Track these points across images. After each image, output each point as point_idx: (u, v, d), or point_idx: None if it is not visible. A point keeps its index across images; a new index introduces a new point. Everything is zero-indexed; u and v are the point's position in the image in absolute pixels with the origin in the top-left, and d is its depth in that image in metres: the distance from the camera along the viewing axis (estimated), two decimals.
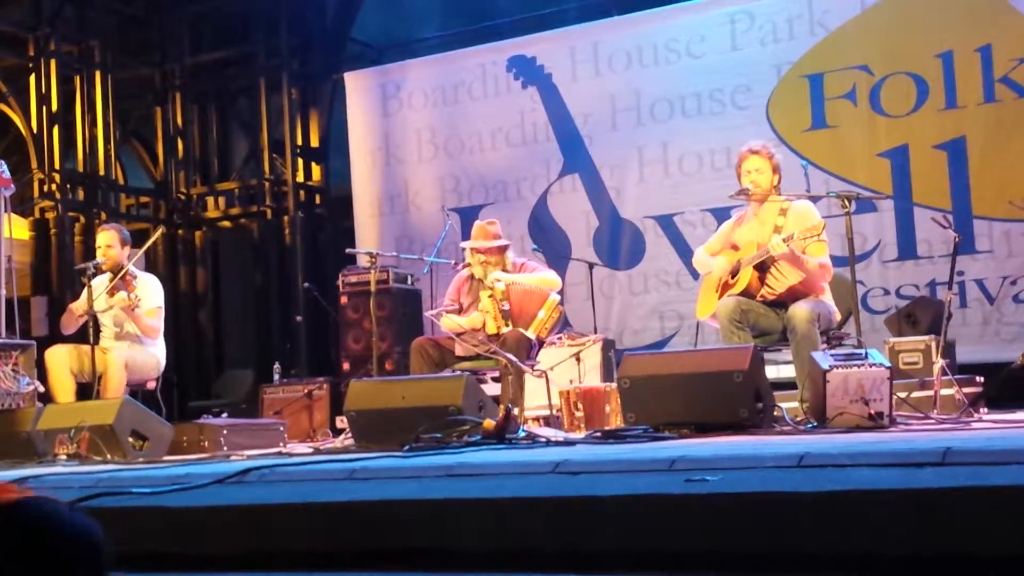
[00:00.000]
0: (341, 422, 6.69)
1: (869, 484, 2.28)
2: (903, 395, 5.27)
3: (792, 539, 2.20)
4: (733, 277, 5.49)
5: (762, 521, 2.23)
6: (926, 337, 6.64)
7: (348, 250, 8.05)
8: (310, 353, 10.44)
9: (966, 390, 5.69)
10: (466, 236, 7.22)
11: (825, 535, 2.19)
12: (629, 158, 9.33)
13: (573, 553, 2.34)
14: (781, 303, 5.33)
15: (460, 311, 6.40)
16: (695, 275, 6.10)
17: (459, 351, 6.24)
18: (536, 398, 6.59)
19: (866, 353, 4.43)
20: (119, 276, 6.49)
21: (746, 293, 5.38)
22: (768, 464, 2.67)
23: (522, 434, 4.58)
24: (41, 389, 6.66)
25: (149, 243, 6.67)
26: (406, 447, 4.15)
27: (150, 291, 6.65)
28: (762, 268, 5.39)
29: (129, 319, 6.53)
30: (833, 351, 4.89)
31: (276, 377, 9.03)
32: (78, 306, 6.52)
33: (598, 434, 4.31)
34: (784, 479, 2.45)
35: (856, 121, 8.57)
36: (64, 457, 5.07)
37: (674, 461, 2.80)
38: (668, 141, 9.21)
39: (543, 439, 4.24)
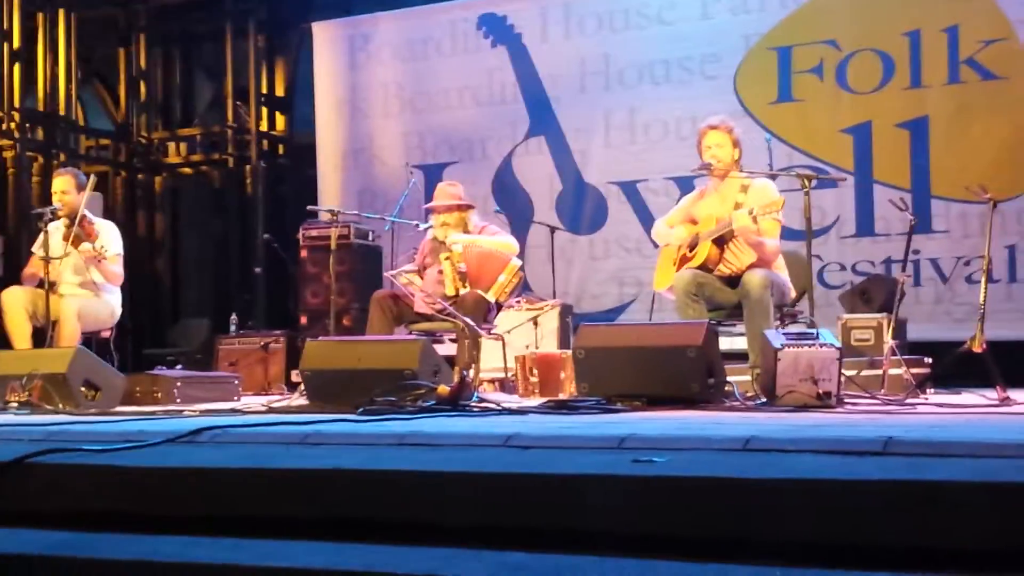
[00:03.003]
0: (297, 376, 6.68)
1: (811, 472, 2.34)
2: (852, 373, 5.36)
3: (735, 525, 2.25)
4: (691, 251, 5.54)
5: (705, 506, 2.28)
6: (879, 315, 6.74)
7: (309, 207, 8.00)
8: (268, 305, 10.42)
9: (914, 370, 5.79)
10: (429, 195, 7.22)
11: (767, 522, 2.24)
12: (595, 123, 9.34)
13: (519, 529, 2.37)
14: (737, 278, 5.39)
15: (421, 271, 6.41)
16: (656, 243, 6.14)
17: (418, 308, 6.25)
18: (493, 360, 6.63)
19: (817, 333, 4.49)
20: (76, 223, 6.43)
21: (703, 267, 5.43)
22: (714, 446, 2.72)
23: (476, 399, 4.63)
24: None
25: (89, 188, 6.55)
26: (360, 409, 4.17)
27: (109, 238, 6.61)
28: (720, 243, 5.44)
29: (90, 267, 6.48)
30: (785, 330, 4.96)
31: (233, 328, 9.01)
32: (38, 258, 6.42)
33: (551, 404, 4.35)
34: (729, 464, 2.50)
35: (822, 96, 8.62)
36: (16, 405, 5.05)
37: (623, 439, 2.84)
38: (635, 107, 9.22)
39: (496, 407, 4.28)
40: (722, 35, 8.91)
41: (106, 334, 6.70)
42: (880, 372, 5.67)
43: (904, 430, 3.00)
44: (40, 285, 6.34)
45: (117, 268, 6.60)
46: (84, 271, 6.52)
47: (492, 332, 6.27)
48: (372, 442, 3.14)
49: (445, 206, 6.38)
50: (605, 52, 9.33)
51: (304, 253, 8.90)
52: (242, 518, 2.60)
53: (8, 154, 10.40)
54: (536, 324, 7.10)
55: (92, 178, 6.67)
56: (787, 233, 5.85)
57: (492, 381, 6.79)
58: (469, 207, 6.48)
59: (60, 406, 5.06)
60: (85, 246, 6.34)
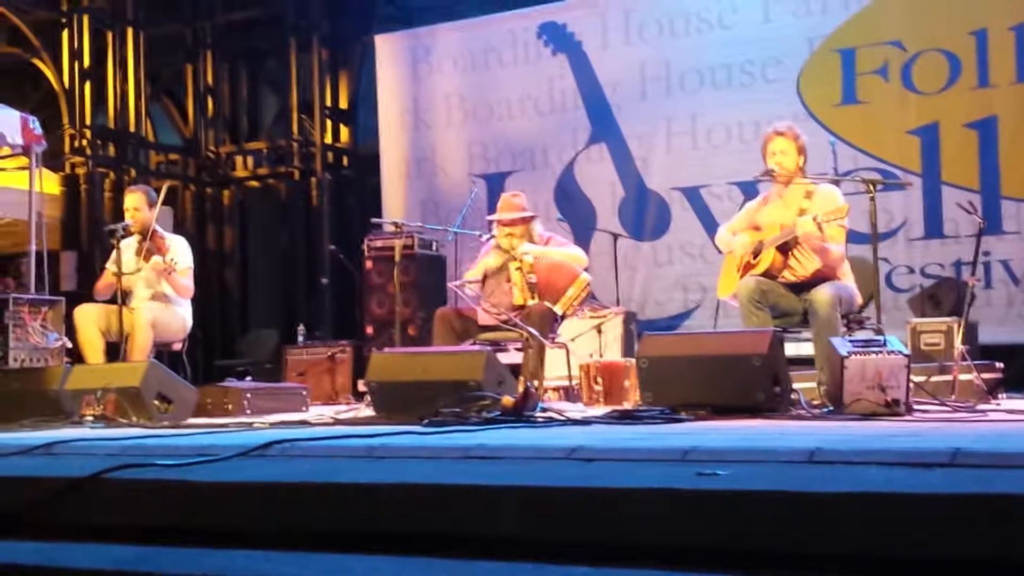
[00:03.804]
0: (363, 386, 6.76)
1: (877, 486, 2.31)
2: (922, 379, 5.29)
3: (801, 539, 2.24)
4: (755, 258, 5.50)
5: (770, 520, 2.26)
6: (948, 319, 6.63)
7: (374, 219, 8.08)
8: (334, 315, 10.53)
9: (985, 376, 5.69)
10: (492, 204, 7.25)
11: (833, 536, 2.22)
12: (657, 129, 9.32)
13: (583, 543, 2.38)
14: (802, 285, 5.34)
15: (483, 280, 6.43)
16: (719, 249, 6.12)
17: (482, 320, 6.27)
18: (557, 368, 6.64)
19: (884, 340, 4.44)
20: (148, 238, 6.57)
21: (767, 274, 5.39)
22: (780, 458, 2.71)
23: (540, 409, 4.64)
24: (69, 345, 6.77)
25: (162, 197, 6.70)
26: (426, 421, 4.21)
27: (180, 252, 6.73)
28: (784, 249, 5.39)
29: (161, 280, 6.61)
30: (852, 337, 4.91)
31: (300, 338, 9.12)
32: (111, 273, 6.57)
33: (615, 414, 4.34)
34: (794, 477, 2.48)
35: (887, 97, 8.52)
36: (91, 418, 5.16)
37: (687, 451, 2.84)
38: (697, 113, 9.18)
39: (560, 418, 4.29)
40: (784, 38, 8.85)
41: (177, 346, 6.81)
42: (950, 378, 5.59)
43: (973, 440, 2.96)
44: (112, 300, 6.48)
45: (187, 281, 6.72)
46: (156, 285, 6.65)
47: (556, 341, 6.28)
48: (437, 455, 3.16)
49: (510, 219, 6.40)
50: (666, 58, 9.31)
51: (369, 264, 8.99)
52: (311, 532, 2.64)
53: (80, 171, 10.65)
54: (600, 332, 7.09)
55: (165, 185, 6.81)
56: (854, 236, 5.80)
57: (556, 389, 6.80)
58: (533, 218, 6.49)
59: (134, 419, 5.16)
60: (156, 260, 6.47)
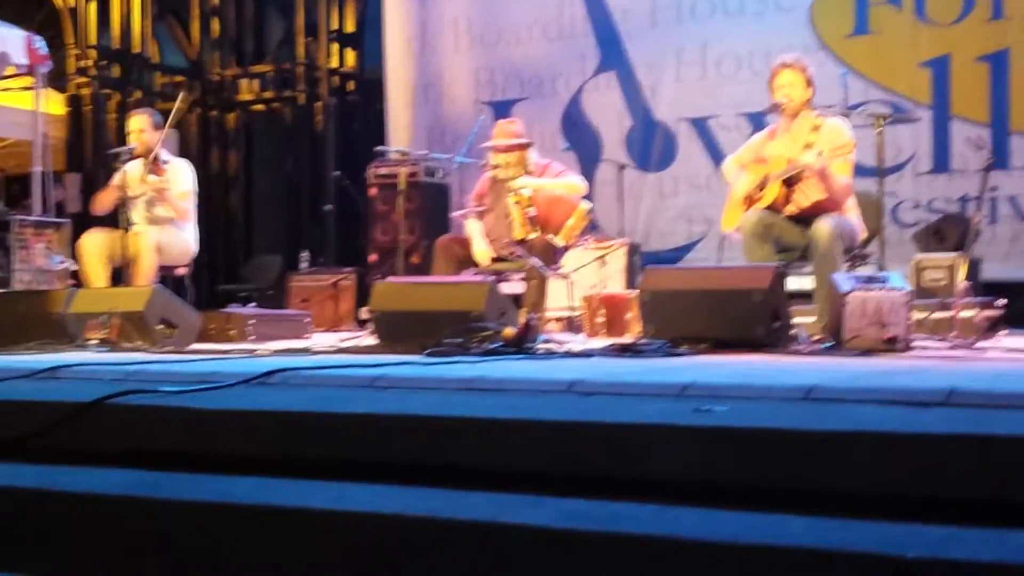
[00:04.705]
0: (365, 314, 6.78)
1: (871, 424, 2.33)
2: (924, 315, 5.30)
3: (795, 476, 2.27)
4: (760, 191, 5.48)
5: (765, 456, 2.29)
6: (952, 255, 6.63)
7: (378, 148, 8.03)
8: (338, 242, 10.51)
9: (986, 313, 5.69)
10: None
11: (827, 473, 2.25)
12: (666, 58, 9.22)
13: (580, 477, 2.41)
14: (806, 219, 5.33)
15: (483, 213, 6.41)
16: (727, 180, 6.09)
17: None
18: (559, 299, 6.65)
19: (886, 277, 4.44)
20: (149, 160, 6.56)
21: (772, 207, 5.37)
22: (776, 396, 2.73)
23: (541, 340, 4.67)
24: (74, 267, 6.79)
25: (174, 113, 6.68)
26: (427, 351, 4.24)
27: (181, 175, 6.71)
28: (789, 183, 5.37)
29: (161, 202, 6.59)
30: (854, 273, 4.91)
31: (304, 265, 9.14)
32: (112, 190, 6.59)
33: (615, 347, 4.36)
34: (790, 414, 2.51)
35: (899, 28, 8.41)
36: (95, 342, 5.19)
37: (686, 387, 2.86)
38: (707, 41, 9.07)
39: (561, 351, 4.32)
40: None
41: (182, 271, 6.81)
42: (952, 314, 5.59)
43: (969, 379, 2.98)
44: (111, 218, 6.48)
45: (185, 204, 6.69)
46: (157, 208, 6.63)
47: (559, 272, 6.28)
48: (438, 386, 3.20)
49: (505, 145, 6.34)
50: None
51: (373, 191, 8.96)
52: (311, 461, 2.67)
53: (85, 91, 10.59)
54: (603, 263, 7.09)
55: (180, 97, 6.77)
56: (861, 170, 5.76)
57: (559, 320, 6.82)
58: (528, 145, 6.41)
59: (138, 344, 5.19)
60: (151, 178, 6.48)
